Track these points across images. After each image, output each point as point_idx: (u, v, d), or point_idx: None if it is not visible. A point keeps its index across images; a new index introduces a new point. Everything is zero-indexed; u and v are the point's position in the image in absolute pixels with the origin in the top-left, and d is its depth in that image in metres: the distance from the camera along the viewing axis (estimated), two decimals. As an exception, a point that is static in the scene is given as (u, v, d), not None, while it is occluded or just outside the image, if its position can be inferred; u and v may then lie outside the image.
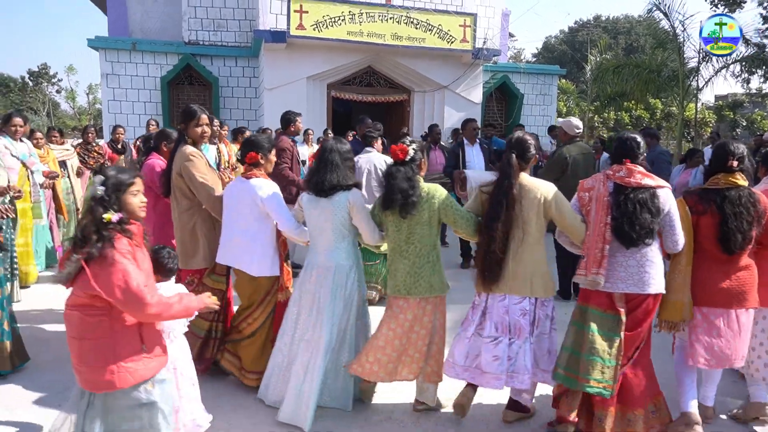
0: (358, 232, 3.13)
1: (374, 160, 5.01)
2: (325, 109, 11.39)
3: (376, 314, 3.28)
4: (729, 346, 2.91)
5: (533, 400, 3.13)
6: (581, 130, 5.30)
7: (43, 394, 3.30)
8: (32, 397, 3.26)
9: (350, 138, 8.69)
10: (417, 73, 11.49)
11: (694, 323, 2.97)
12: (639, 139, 2.88)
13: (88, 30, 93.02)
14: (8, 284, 3.65)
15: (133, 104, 11.58)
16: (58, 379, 3.45)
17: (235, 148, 6.17)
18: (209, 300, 2.36)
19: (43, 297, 5.01)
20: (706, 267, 2.94)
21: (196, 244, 3.49)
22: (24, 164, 5.04)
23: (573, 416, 2.82)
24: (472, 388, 2.98)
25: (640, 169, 2.81)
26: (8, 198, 4.23)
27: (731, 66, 13.65)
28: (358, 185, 3.13)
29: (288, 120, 5.66)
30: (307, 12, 9.98)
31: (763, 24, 15.02)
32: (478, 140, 6.48)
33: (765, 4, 15.10)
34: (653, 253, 2.80)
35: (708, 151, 9.17)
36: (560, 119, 5.82)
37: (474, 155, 6.31)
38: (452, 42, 10.85)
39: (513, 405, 3.08)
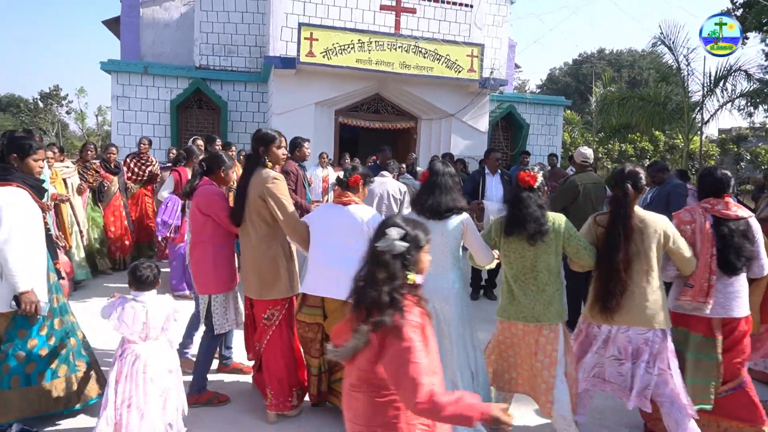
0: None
1: (388, 185, 5.06)
2: (332, 134, 11.48)
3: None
4: None
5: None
6: (590, 160, 5.30)
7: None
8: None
9: (370, 163, 8.75)
10: (424, 101, 11.61)
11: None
12: (730, 174, 3.12)
13: (100, 53, 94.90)
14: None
15: (142, 126, 11.69)
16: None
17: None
18: (501, 413, 1.72)
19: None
20: None
21: (276, 274, 3.30)
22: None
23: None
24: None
25: (733, 201, 3.07)
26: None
27: (735, 100, 13.78)
28: (467, 208, 3.16)
29: (295, 144, 5.70)
30: (317, 39, 10.14)
31: (766, 60, 15.20)
32: (499, 171, 6.40)
33: (768, 41, 15.30)
34: (744, 277, 3.03)
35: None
36: (580, 149, 5.84)
37: (494, 185, 6.26)
38: (460, 71, 10.98)
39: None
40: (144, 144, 7.59)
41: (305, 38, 10.08)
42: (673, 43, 13.21)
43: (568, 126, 21.53)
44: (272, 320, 3.32)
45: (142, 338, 2.82)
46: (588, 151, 5.33)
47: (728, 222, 2.97)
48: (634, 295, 2.85)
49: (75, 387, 3.13)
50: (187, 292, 5.74)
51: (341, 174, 3.33)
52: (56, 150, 6.04)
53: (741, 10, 14.95)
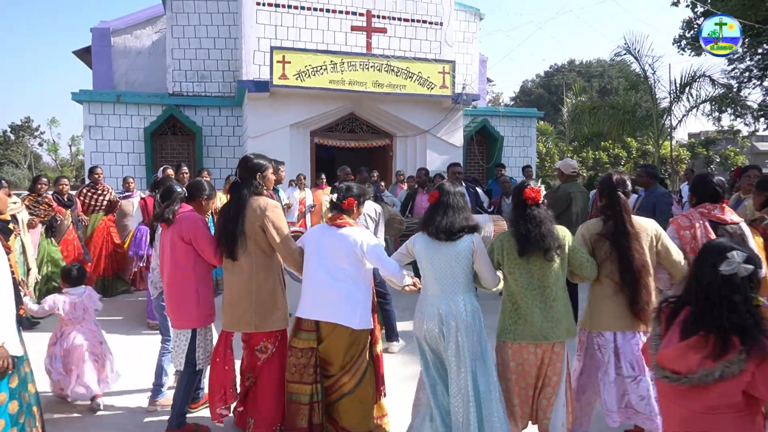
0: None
1: (365, 206, 5.05)
2: (308, 155, 11.50)
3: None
4: None
5: None
6: (577, 170, 5.68)
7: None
8: None
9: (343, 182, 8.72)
10: (398, 119, 11.72)
11: None
12: (724, 180, 3.17)
13: (72, 82, 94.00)
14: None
15: (116, 155, 11.58)
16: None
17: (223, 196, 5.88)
18: None
19: None
20: None
21: (275, 304, 3.23)
22: None
23: None
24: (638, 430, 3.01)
25: (727, 207, 3.11)
26: None
27: (701, 105, 14.19)
28: (479, 227, 3.03)
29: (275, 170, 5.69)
30: (289, 62, 10.21)
31: (728, 65, 15.70)
32: (463, 184, 6.51)
33: (729, 47, 15.80)
34: None
35: (685, 188, 9.37)
36: (559, 161, 6.14)
37: None
38: (432, 88, 11.13)
39: None
40: (97, 174, 7.29)
41: (278, 61, 10.13)
42: (638, 52, 13.59)
43: (542, 137, 21.89)
44: (266, 352, 3.24)
45: (79, 322, 3.81)
46: (575, 162, 5.74)
47: (725, 226, 3.02)
48: (650, 298, 2.87)
49: None
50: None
51: (334, 197, 3.25)
52: (5, 185, 5.50)
53: (702, 19, 15.45)
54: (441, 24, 11.77)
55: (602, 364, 2.91)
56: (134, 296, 7.19)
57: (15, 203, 5.72)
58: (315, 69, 10.36)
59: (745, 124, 17.61)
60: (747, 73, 15.97)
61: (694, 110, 14.11)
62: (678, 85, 13.83)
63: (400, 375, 4.30)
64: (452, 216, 2.93)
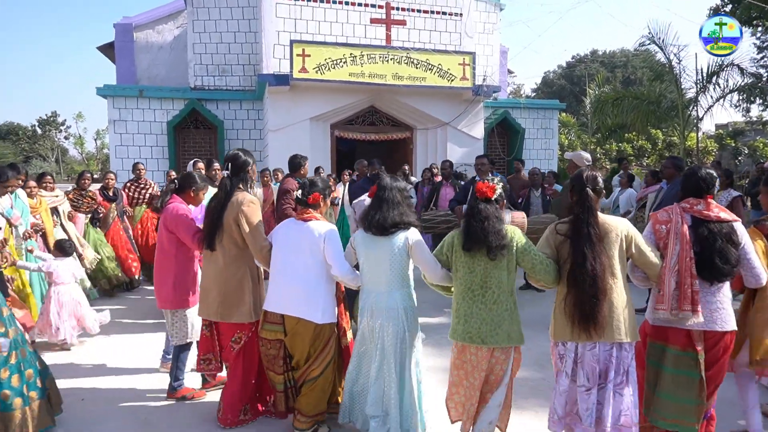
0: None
1: None
2: (328, 148, 11.54)
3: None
4: None
5: None
6: (590, 162, 5.44)
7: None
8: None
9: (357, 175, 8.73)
10: (419, 111, 11.67)
11: None
12: (715, 174, 2.89)
13: (97, 77, 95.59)
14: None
15: (140, 149, 11.77)
16: None
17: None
18: None
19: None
20: None
21: (242, 296, 3.35)
22: (8, 221, 4.84)
23: None
24: None
25: (715, 203, 2.84)
26: None
27: (729, 95, 13.83)
28: (416, 224, 3.03)
29: (298, 164, 5.74)
30: (309, 55, 10.23)
31: (758, 53, 15.27)
32: (490, 175, 6.41)
33: (759, 35, 15.38)
34: (727, 288, 2.79)
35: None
36: (568, 152, 5.93)
37: None
38: (452, 80, 11.05)
39: None
40: (140, 169, 7.74)
41: (297, 55, 10.16)
42: (662, 41, 13.29)
43: (564, 128, 21.60)
44: (239, 343, 3.37)
45: (68, 282, 4.94)
46: (588, 155, 5.50)
47: (708, 224, 2.74)
48: (605, 308, 2.62)
49: (29, 419, 3.12)
50: None
51: (299, 193, 3.28)
52: (50, 180, 6.24)
53: (730, 6, 15.06)
54: (461, 15, 11.66)
55: (559, 373, 2.77)
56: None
57: (57, 196, 6.25)
58: (335, 62, 10.37)
59: (775, 115, 17.13)
60: (777, 62, 15.53)
61: (722, 100, 13.76)
62: (705, 74, 13.51)
63: (421, 366, 4.29)
64: (386, 211, 2.94)
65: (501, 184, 2.86)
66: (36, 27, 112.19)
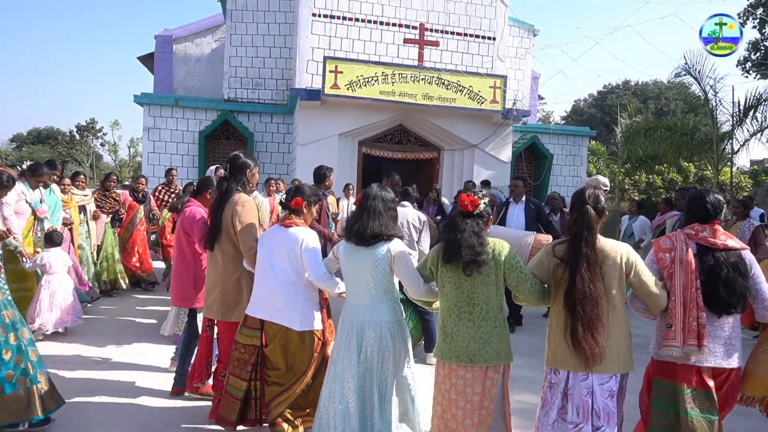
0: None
1: (408, 215, 5.01)
2: (356, 164, 11.60)
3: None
4: None
5: None
6: (608, 188, 5.38)
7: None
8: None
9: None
10: (447, 132, 11.68)
11: None
12: (722, 198, 2.72)
13: (134, 87, 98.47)
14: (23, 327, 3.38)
15: (171, 156, 12.01)
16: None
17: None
18: None
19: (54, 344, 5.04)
20: None
21: (239, 296, 3.41)
22: (34, 211, 5.32)
23: None
24: None
25: (723, 230, 2.67)
26: None
27: (766, 130, 13.48)
28: (400, 235, 2.94)
29: (323, 175, 5.77)
30: (342, 72, 10.36)
31: (797, 89, 14.90)
32: (524, 199, 6.37)
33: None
34: (738, 322, 2.63)
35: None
36: (587, 178, 5.94)
37: (515, 213, 6.25)
38: (482, 102, 11.05)
39: None
40: (172, 174, 8.10)
41: (330, 71, 10.30)
42: (699, 72, 13.07)
43: (593, 157, 21.35)
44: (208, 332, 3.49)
45: (60, 272, 5.21)
46: (605, 180, 5.68)
47: (715, 252, 2.58)
48: (600, 333, 2.47)
49: (36, 397, 3.14)
50: None
51: (282, 197, 3.29)
52: (82, 179, 6.71)
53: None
54: (494, 39, 11.71)
55: (546, 403, 2.62)
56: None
57: (86, 195, 6.65)
58: (366, 80, 10.48)
59: (814, 152, 16.62)
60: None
61: (759, 134, 13.43)
62: (742, 107, 13.22)
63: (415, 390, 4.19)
64: (366, 221, 2.85)
65: (487, 199, 2.71)
66: (84, 39, 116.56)
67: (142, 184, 7.52)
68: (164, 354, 4.65)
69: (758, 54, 15.39)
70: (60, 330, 5.16)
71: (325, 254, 3.69)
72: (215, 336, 3.68)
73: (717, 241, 2.60)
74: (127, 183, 8.05)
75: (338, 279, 3.12)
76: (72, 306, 5.22)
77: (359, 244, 2.85)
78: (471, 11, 11.54)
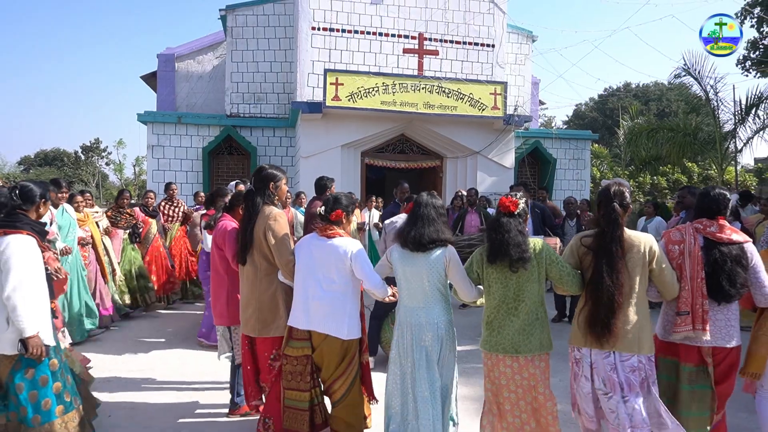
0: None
1: None
2: (359, 175, 11.64)
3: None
4: None
5: None
6: (630, 189, 5.40)
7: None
8: None
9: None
10: (449, 140, 11.71)
11: None
12: (728, 195, 2.96)
13: (138, 106, 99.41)
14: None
15: (176, 173, 12.09)
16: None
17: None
18: None
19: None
20: None
21: (276, 311, 3.36)
22: None
23: None
24: None
25: (728, 224, 2.92)
26: None
27: (769, 128, 13.43)
28: (452, 240, 3.08)
29: (324, 186, 5.80)
30: (342, 84, 10.43)
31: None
32: (530, 204, 6.34)
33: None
34: (736, 306, 2.90)
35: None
36: (604, 180, 5.91)
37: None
38: (483, 109, 11.09)
39: None
40: (173, 189, 8.14)
41: (331, 83, 10.37)
42: (699, 73, 13.08)
43: (597, 160, 21.32)
44: (279, 360, 3.32)
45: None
46: (625, 183, 5.46)
47: (720, 245, 2.84)
48: (621, 320, 2.72)
49: (74, 424, 3.07)
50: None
51: (322, 209, 3.29)
52: (89, 197, 6.59)
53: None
54: (493, 46, 11.78)
55: (577, 376, 2.88)
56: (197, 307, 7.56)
57: (96, 212, 6.63)
58: (367, 91, 10.54)
59: (819, 148, 16.56)
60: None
61: (761, 132, 13.39)
62: (743, 106, 13.20)
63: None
64: (421, 227, 2.97)
65: (524, 199, 2.93)
66: (86, 59, 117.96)
67: (151, 198, 7.56)
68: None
69: (757, 52, 15.38)
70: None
71: None
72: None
73: (723, 236, 2.86)
74: (133, 201, 8.05)
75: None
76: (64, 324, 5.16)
77: (416, 251, 2.98)
78: (469, 19, 11.62)
